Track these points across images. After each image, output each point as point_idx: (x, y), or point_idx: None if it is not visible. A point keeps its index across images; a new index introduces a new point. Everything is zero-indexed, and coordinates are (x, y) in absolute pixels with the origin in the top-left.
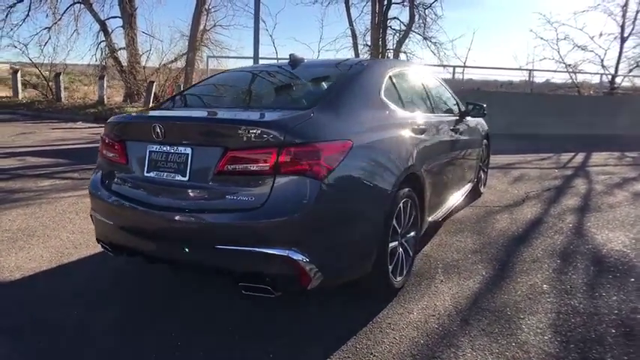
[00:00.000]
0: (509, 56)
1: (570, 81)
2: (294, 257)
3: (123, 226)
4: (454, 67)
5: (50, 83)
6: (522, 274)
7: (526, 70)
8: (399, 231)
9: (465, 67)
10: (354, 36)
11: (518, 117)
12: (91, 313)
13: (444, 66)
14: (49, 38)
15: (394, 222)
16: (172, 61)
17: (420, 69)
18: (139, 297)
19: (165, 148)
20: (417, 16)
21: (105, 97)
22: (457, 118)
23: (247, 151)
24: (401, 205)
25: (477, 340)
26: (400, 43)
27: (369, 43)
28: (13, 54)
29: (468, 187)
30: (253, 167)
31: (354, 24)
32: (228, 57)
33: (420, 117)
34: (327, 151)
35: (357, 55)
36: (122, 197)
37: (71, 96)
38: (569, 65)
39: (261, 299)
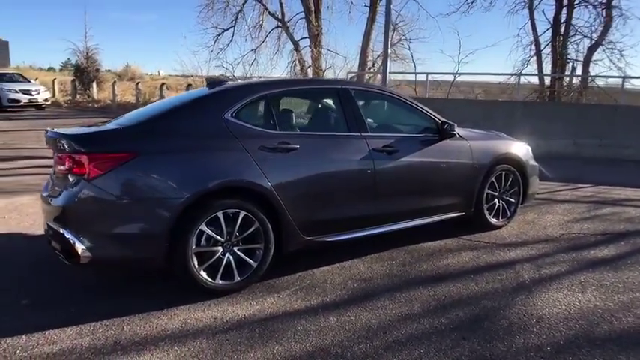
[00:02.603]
0: None
1: None
2: (67, 236)
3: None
4: (623, 77)
5: None
6: (363, 308)
7: None
8: (223, 238)
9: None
10: (537, 44)
11: None
12: None
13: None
14: (255, 58)
15: (205, 228)
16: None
17: (346, 87)
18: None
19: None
20: (597, 20)
21: None
22: (414, 138)
23: (62, 155)
24: (219, 214)
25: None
26: (591, 51)
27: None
28: (222, 72)
29: (444, 216)
30: (63, 168)
31: (537, 32)
32: (403, 72)
33: (295, 136)
34: (98, 160)
35: (540, 67)
36: (45, 190)
37: None
38: None
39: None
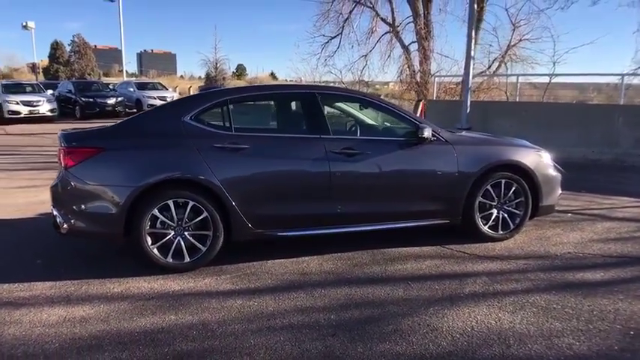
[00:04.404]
0: None
1: None
2: (54, 212)
3: None
4: None
5: None
6: (273, 297)
7: None
8: (174, 223)
9: None
10: None
11: None
12: None
13: None
14: (365, 64)
15: (158, 213)
16: (455, 84)
17: (312, 91)
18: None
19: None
20: None
21: None
22: (384, 141)
23: (59, 149)
24: (170, 202)
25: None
26: None
27: None
28: (331, 78)
29: (420, 222)
30: (58, 160)
31: None
32: (509, 75)
33: (247, 137)
34: (71, 153)
35: None
36: None
37: None
38: None
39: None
